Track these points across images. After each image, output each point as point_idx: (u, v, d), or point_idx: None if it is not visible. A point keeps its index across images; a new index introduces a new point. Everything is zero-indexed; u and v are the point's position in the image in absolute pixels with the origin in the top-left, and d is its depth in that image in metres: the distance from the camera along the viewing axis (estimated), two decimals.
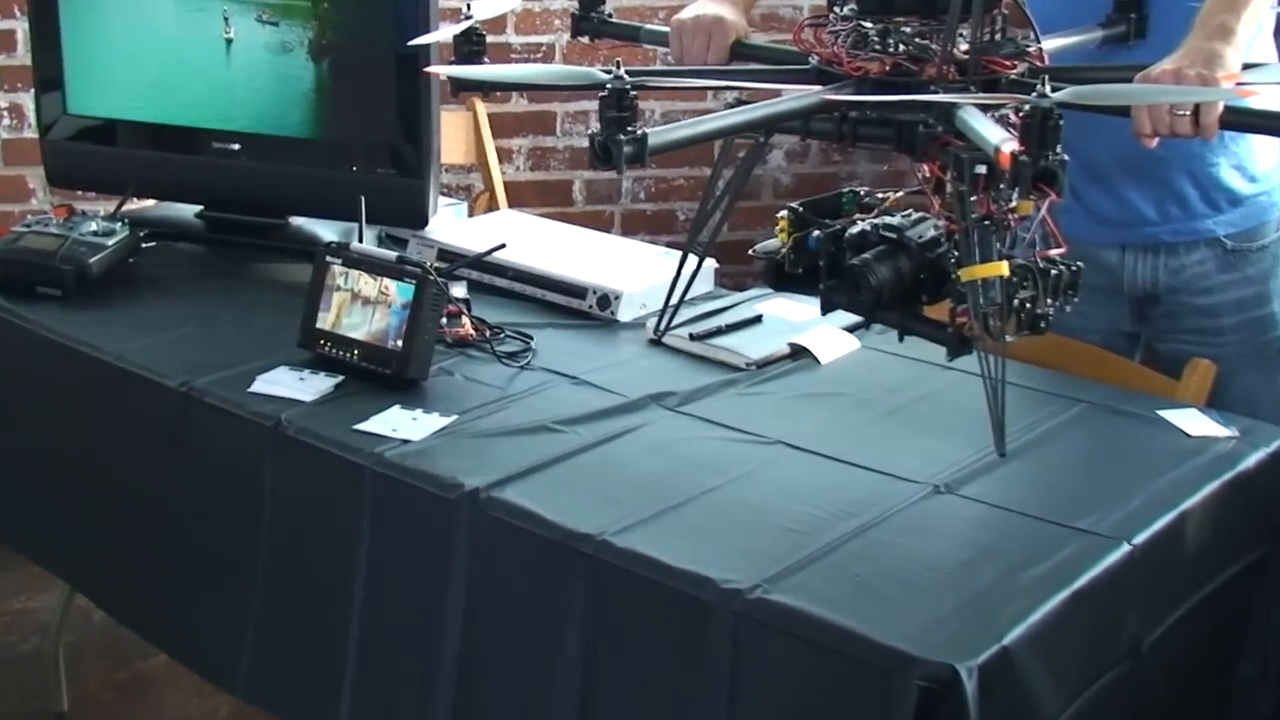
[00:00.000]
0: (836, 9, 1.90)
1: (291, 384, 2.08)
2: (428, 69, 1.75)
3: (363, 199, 2.26)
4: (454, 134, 3.39)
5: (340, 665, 1.91)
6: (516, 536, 1.76)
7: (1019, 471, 1.84)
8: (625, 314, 2.33)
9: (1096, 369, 2.25)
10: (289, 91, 2.53)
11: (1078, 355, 2.28)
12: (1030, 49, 1.88)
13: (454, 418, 1.99)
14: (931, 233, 1.75)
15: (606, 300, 2.34)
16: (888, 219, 1.77)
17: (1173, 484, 1.84)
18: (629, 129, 1.55)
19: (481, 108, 3.56)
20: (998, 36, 1.84)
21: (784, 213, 1.87)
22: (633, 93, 1.55)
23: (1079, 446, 1.95)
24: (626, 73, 1.55)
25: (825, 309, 1.84)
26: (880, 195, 1.86)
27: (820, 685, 1.55)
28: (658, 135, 1.58)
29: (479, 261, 2.34)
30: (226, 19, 2.54)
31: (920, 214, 1.78)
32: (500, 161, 3.60)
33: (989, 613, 1.56)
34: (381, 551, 1.88)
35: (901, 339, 1.83)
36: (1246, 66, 1.87)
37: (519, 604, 1.77)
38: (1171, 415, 2.02)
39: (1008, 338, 1.65)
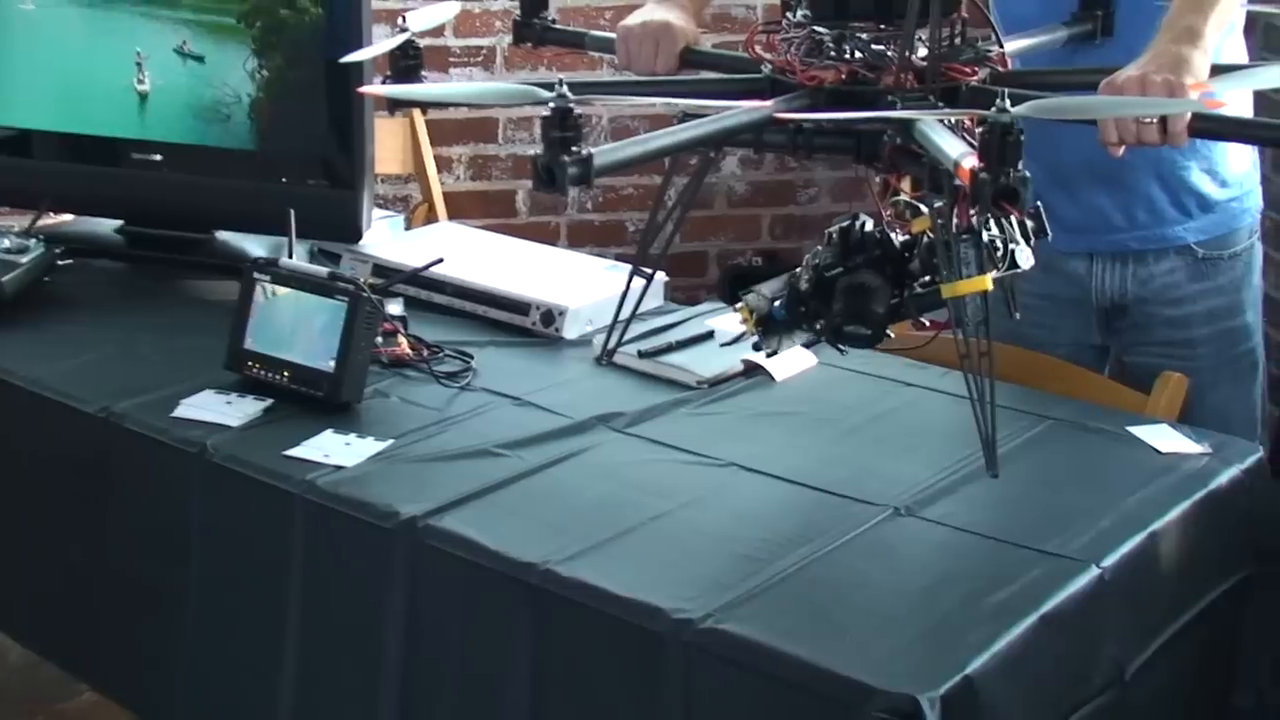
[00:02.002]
0: (789, 15, 1.91)
1: (218, 408, 2.07)
2: (361, 89, 1.74)
3: (292, 212, 2.26)
4: (389, 142, 3.39)
5: (276, 702, 1.91)
6: (457, 567, 1.77)
7: (982, 492, 1.85)
8: (571, 331, 2.33)
9: (1064, 384, 2.26)
10: (213, 99, 2.53)
11: (1044, 369, 2.30)
12: (991, 53, 1.89)
13: (390, 442, 1.99)
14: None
15: (551, 316, 2.35)
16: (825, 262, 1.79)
17: (1143, 503, 1.86)
18: (574, 149, 1.55)
19: (419, 115, 3.55)
20: (958, 41, 1.86)
21: (740, 305, 1.89)
22: (577, 111, 1.55)
23: (1045, 465, 1.97)
24: (570, 87, 1.55)
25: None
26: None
27: (776, 719, 1.56)
28: (604, 155, 1.58)
29: (415, 277, 2.34)
30: (140, 64, 2.53)
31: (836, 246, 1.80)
32: (439, 171, 3.60)
33: (951, 640, 1.58)
34: (316, 583, 1.88)
35: (920, 321, 1.84)
36: (1215, 69, 1.89)
37: (462, 637, 1.78)
38: (1141, 431, 2.04)
39: (994, 274, 1.65)
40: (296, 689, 1.90)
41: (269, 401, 2.09)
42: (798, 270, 1.85)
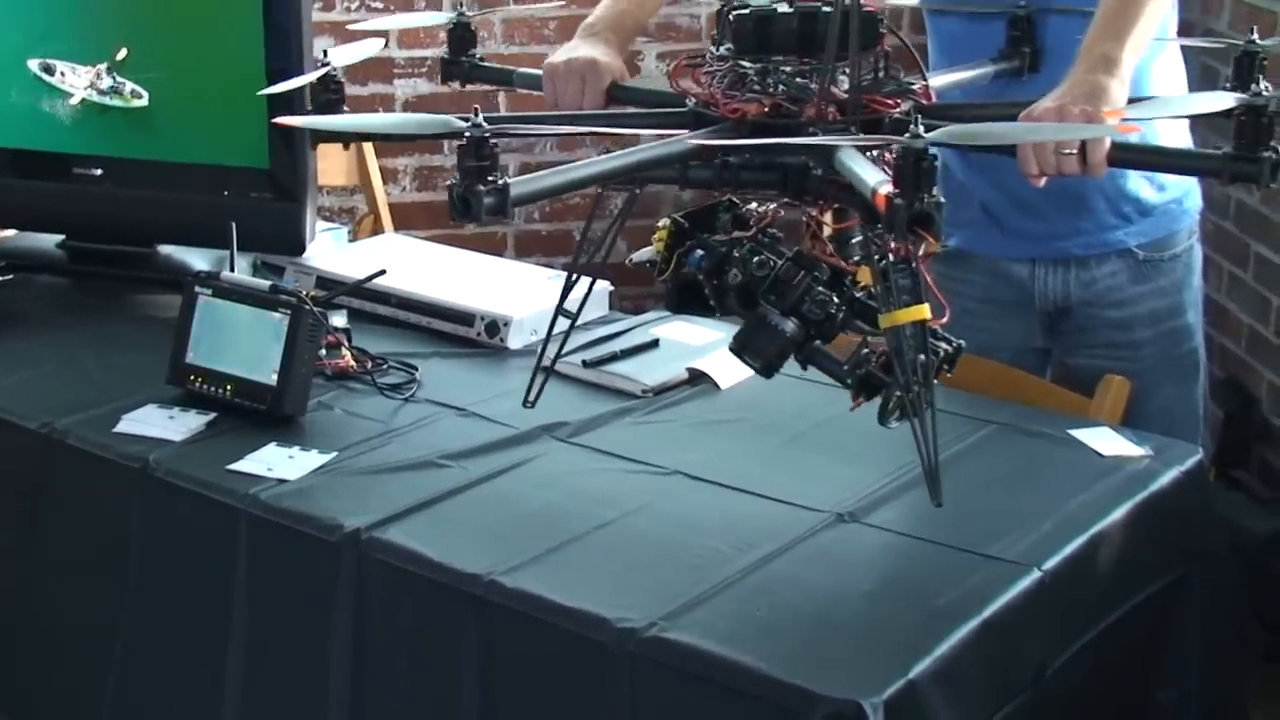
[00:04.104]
0: (713, 49, 1.92)
1: (160, 423, 2.06)
2: (276, 120, 1.74)
3: (234, 225, 2.25)
4: (334, 154, 3.37)
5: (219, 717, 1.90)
6: (402, 579, 1.77)
7: (925, 498, 1.84)
8: (515, 341, 2.33)
9: (1006, 388, 2.28)
10: (155, 112, 2.52)
11: (988, 374, 2.31)
12: (915, 87, 1.91)
13: (333, 455, 1.99)
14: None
15: (495, 327, 2.35)
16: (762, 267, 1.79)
17: (1084, 507, 1.88)
18: (490, 179, 1.56)
19: None
20: (881, 74, 1.87)
21: (665, 222, 1.89)
22: (493, 141, 1.56)
23: (988, 470, 1.98)
24: (486, 119, 1.56)
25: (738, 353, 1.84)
26: (758, 210, 1.88)
27: None
28: (521, 185, 1.59)
29: (359, 289, 2.34)
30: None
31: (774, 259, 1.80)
32: (385, 182, 3.60)
33: (895, 646, 1.59)
34: (261, 598, 1.87)
35: (805, 368, 1.84)
36: (1132, 101, 1.91)
37: (409, 649, 1.78)
38: (1083, 435, 2.06)
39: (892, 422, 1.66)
40: (242, 705, 1.89)
41: (212, 415, 2.08)
42: (741, 243, 1.82)
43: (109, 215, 2.58)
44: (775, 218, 1.84)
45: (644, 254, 1.93)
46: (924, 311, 1.63)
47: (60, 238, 2.67)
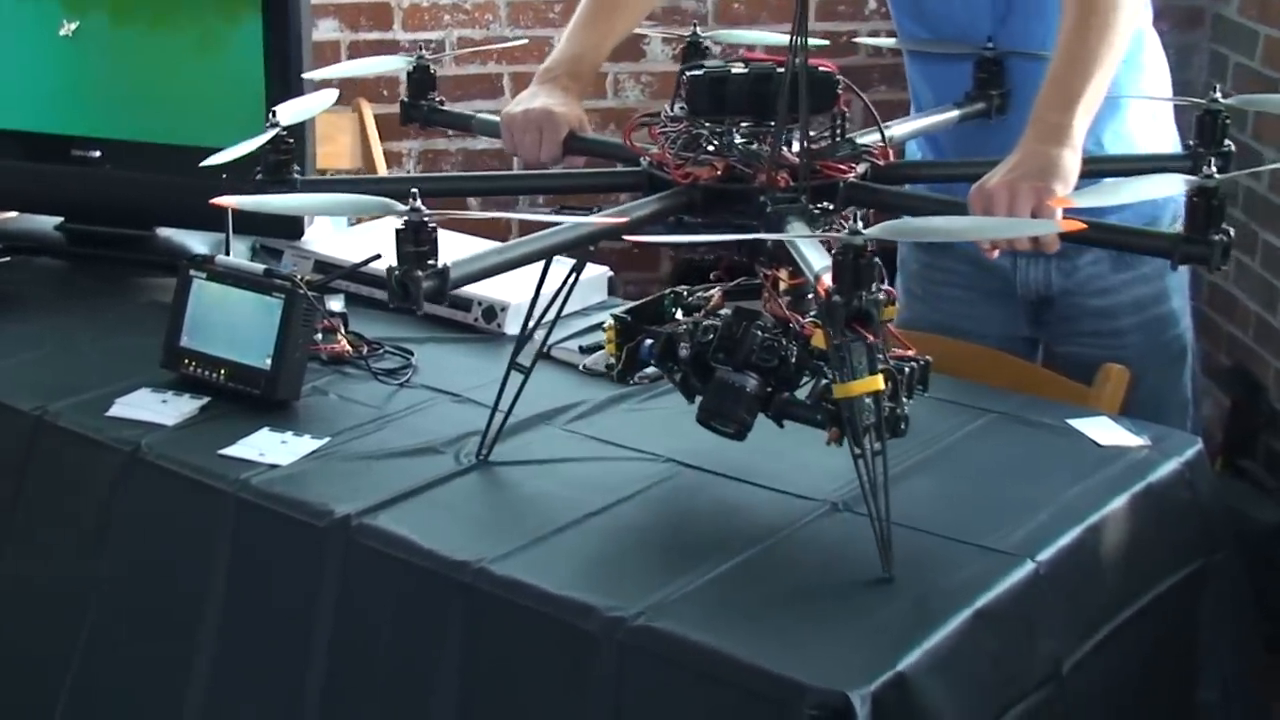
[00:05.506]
0: (667, 108, 1.91)
1: (153, 407, 2.06)
2: (212, 200, 1.74)
3: (230, 209, 2.23)
4: (338, 137, 3.38)
5: (182, 702, 1.88)
6: (389, 566, 1.75)
7: (920, 487, 1.85)
8: (512, 327, 2.32)
9: (1006, 376, 2.26)
10: (153, 93, 2.51)
11: (986, 362, 2.30)
12: (873, 147, 1.89)
13: (326, 440, 1.97)
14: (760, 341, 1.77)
15: (493, 312, 2.33)
16: (708, 333, 1.79)
17: (1081, 497, 1.85)
18: (429, 263, 1.55)
19: (367, 108, 3.54)
20: (838, 135, 1.85)
21: (609, 322, 1.88)
22: (431, 225, 1.55)
23: (984, 459, 1.96)
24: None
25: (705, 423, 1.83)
26: (703, 296, 1.87)
27: (708, 717, 1.55)
28: (461, 267, 1.59)
29: (355, 273, 2.33)
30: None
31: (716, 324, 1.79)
32: (389, 166, 3.59)
33: (885, 637, 1.57)
34: (238, 583, 1.86)
35: (782, 425, 1.82)
36: (1084, 174, 1.88)
37: (391, 638, 1.76)
38: (1082, 424, 2.04)
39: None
40: (208, 691, 1.87)
41: (205, 400, 2.07)
42: (680, 324, 1.83)
43: (108, 197, 2.58)
44: (721, 303, 1.84)
45: (596, 359, 1.95)
46: (877, 383, 1.62)
47: (59, 220, 2.67)
